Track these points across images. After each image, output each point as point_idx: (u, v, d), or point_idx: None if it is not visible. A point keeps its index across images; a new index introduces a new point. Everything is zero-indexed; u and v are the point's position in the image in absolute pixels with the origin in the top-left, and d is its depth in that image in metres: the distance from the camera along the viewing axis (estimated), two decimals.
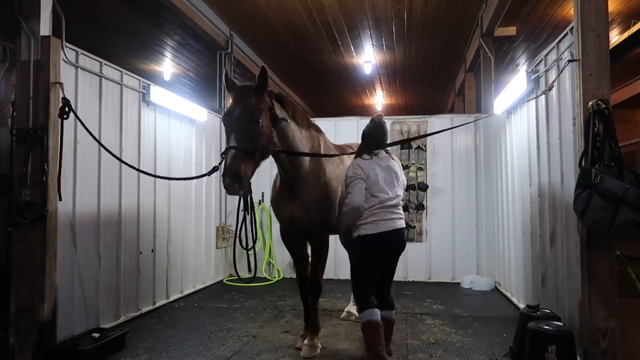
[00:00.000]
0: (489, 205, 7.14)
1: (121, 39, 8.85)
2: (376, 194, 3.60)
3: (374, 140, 3.82)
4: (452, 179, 7.48)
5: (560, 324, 3.63)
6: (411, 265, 7.48)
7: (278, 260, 7.67)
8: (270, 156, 3.58)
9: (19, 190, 3.92)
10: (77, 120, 4.26)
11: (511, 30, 8.07)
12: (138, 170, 4.70)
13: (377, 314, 3.51)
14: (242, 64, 9.56)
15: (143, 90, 5.43)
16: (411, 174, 7.48)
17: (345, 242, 5.55)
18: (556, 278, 4.30)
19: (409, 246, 7.37)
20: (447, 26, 8.53)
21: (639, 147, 8.28)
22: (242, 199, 3.58)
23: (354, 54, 10.05)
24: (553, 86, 3.91)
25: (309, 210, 3.93)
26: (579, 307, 3.64)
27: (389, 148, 4.03)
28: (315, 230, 4.02)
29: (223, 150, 3.27)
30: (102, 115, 4.76)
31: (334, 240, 5.74)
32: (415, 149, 7.55)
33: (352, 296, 5.29)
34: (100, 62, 4.78)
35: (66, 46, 4.23)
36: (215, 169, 3.53)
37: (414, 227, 7.47)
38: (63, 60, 4.18)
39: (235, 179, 3.10)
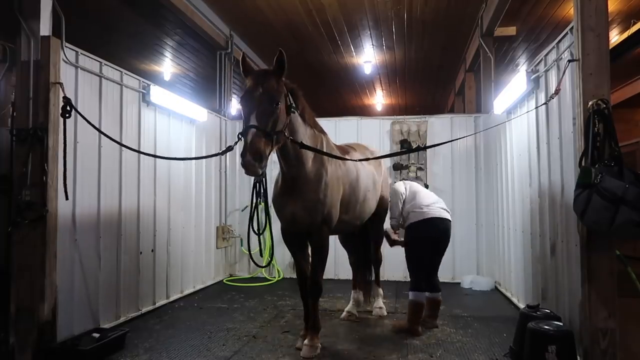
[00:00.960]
0: (489, 205, 7.13)
1: (121, 39, 8.85)
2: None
3: None
4: (452, 179, 7.47)
5: (560, 324, 3.62)
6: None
7: (278, 260, 7.66)
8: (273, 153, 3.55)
9: (19, 190, 3.92)
10: (77, 121, 4.27)
11: (511, 30, 8.07)
12: (139, 152, 4.83)
13: (422, 296, 4.54)
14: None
15: (143, 90, 5.43)
16: (411, 174, 7.48)
17: (345, 242, 5.57)
18: (556, 278, 4.30)
19: None
20: (447, 26, 8.53)
21: (639, 147, 8.29)
22: (255, 185, 3.64)
23: (354, 54, 10.05)
24: (559, 90, 3.90)
25: (311, 210, 3.93)
26: (579, 307, 3.65)
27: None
28: (316, 231, 4.02)
29: (241, 130, 3.26)
30: (102, 115, 4.77)
31: (334, 240, 5.75)
32: (415, 149, 7.54)
33: (352, 295, 5.31)
34: (100, 62, 4.78)
35: (66, 46, 4.23)
36: (230, 149, 3.57)
37: None
38: (63, 60, 4.18)
39: (256, 157, 3.08)
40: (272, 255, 4.59)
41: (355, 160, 4.48)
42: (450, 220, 4.73)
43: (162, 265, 5.83)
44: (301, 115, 3.82)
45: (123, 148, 5.06)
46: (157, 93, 5.59)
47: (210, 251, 7.24)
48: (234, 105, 9.01)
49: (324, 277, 4.20)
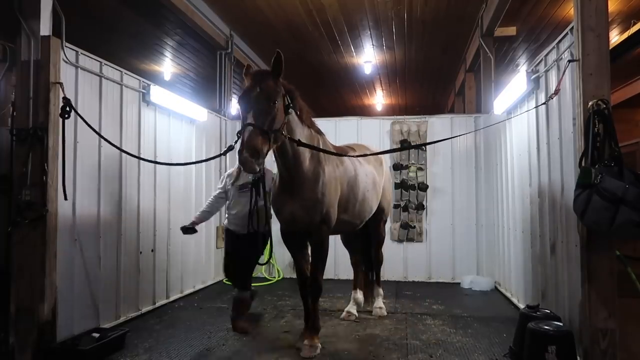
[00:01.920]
0: (489, 205, 7.13)
1: (121, 39, 8.85)
2: None
3: None
4: (452, 179, 7.47)
5: (560, 324, 3.63)
6: (411, 265, 7.48)
7: (278, 260, 7.67)
8: (271, 153, 3.59)
9: (19, 190, 3.91)
10: (77, 121, 4.27)
11: (511, 30, 8.07)
12: (138, 158, 4.85)
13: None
14: (242, 64, 9.55)
15: (143, 90, 5.43)
16: (411, 174, 7.49)
17: (347, 242, 5.57)
18: (556, 278, 4.31)
19: (409, 246, 7.48)
20: (447, 26, 8.53)
21: (639, 147, 8.28)
22: (253, 183, 3.68)
23: (354, 54, 10.05)
24: (559, 90, 3.90)
25: (309, 209, 3.95)
26: (579, 307, 3.65)
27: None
28: (315, 230, 4.03)
29: (239, 129, 3.34)
30: (102, 115, 4.76)
31: (334, 240, 5.75)
32: (415, 149, 7.54)
33: (352, 295, 5.31)
34: (100, 62, 4.78)
35: (66, 46, 4.23)
36: (230, 148, 3.62)
37: (414, 227, 7.47)
38: (63, 60, 4.18)
39: (253, 154, 3.15)
40: (271, 253, 4.61)
41: (353, 157, 4.49)
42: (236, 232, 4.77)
43: (162, 265, 5.83)
44: (299, 115, 3.85)
45: (122, 147, 5.06)
46: (157, 93, 5.59)
47: (210, 251, 7.24)
48: (234, 105, 9.00)
49: (324, 277, 4.21)
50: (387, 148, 7.46)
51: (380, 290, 5.47)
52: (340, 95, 13.74)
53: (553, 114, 4.36)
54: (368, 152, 5.21)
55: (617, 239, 3.47)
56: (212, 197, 5.07)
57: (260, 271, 7.55)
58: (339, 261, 7.10)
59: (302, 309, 4.30)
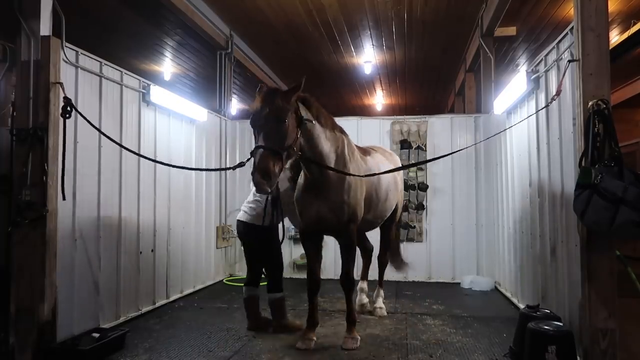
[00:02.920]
0: (489, 205, 7.13)
1: (121, 39, 8.85)
2: None
3: None
4: (452, 179, 7.47)
5: (560, 324, 3.62)
6: (411, 265, 7.45)
7: None
8: None
9: (19, 190, 3.91)
10: (77, 121, 4.26)
11: (511, 30, 8.07)
12: (139, 156, 4.82)
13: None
14: (242, 64, 9.56)
15: (143, 90, 5.43)
16: (411, 174, 7.49)
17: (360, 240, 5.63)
18: (556, 278, 4.31)
19: (408, 246, 7.48)
20: (447, 26, 8.53)
21: (639, 147, 8.28)
22: (268, 197, 3.73)
23: (354, 54, 10.05)
24: (560, 91, 3.89)
25: (336, 210, 4.06)
26: (579, 307, 3.64)
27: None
28: (343, 230, 4.15)
29: (252, 149, 3.43)
30: (102, 115, 4.76)
31: (334, 241, 5.74)
32: (415, 149, 7.54)
33: (358, 285, 5.41)
34: (100, 62, 4.78)
35: (66, 46, 4.22)
36: (241, 164, 3.72)
37: (414, 227, 7.47)
38: (63, 60, 4.18)
39: (264, 176, 3.27)
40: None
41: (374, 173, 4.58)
42: (246, 222, 4.68)
43: (162, 265, 5.83)
44: (317, 120, 3.90)
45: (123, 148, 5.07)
46: (157, 93, 5.59)
47: (210, 251, 7.24)
48: (234, 105, 9.01)
49: (325, 277, 4.25)
50: (388, 148, 7.46)
51: (382, 291, 5.50)
52: (340, 95, 13.74)
53: (553, 114, 4.36)
54: (387, 153, 5.58)
55: (617, 239, 3.47)
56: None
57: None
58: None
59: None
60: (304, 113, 3.72)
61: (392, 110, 15.30)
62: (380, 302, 5.39)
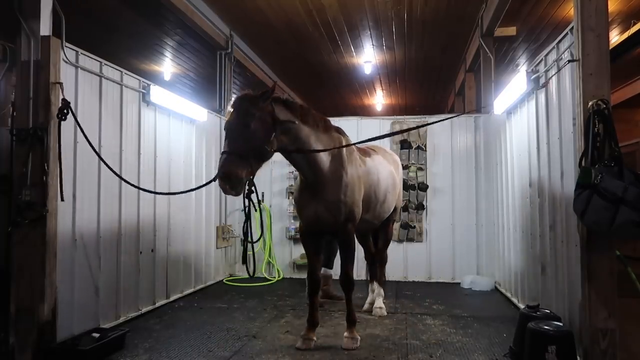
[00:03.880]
0: (489, 205, 7.13)
1: (121, 39, 8.85)
2: None
3: None
4: (452, 179, 7.48)
5: (560, 324, 3.62)
6: (411, 265, 7.48)
7: (278, 260, 7.67)
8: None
9: (19, 190, 3.91)
10: (77, 121, 4.26)
11: (511, 30, 8.06)
12: (138, 188, 4.81)
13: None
14: (242, 64, 9.56)
15: (143, 90, 5.43)
16: (411, 174, 7.48)
17: (362, 239, 5.62)
18: (556, 278, 4.30)
19: (409, 246, 7.48)
20: (447, 26, 8.53)
21: (639, 147, 8.28)
22: (244, 198, 3.76)
23: (354, 54, 10.05)
24: (547, 83, 3.91)
25: (333, 210, 4.07)
26: (579, 307, 3.64)
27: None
28: (341, 229, 4.17)
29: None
30: (102, 115, 4.76)
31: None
32: (415, 149, 7.54)
33: (369, 288, 5.52)
34: (100, 62, 4.78)
35: (66, 46, 4.22)
36: (215, 179, 3.67)
37: (414, 227, 7.47)
38: (63, 60, 4.18)
39: (225, 181, 3.34)
40: (270, 252, 4.67)
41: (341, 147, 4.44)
42: None
43: (162, 265, 5.83)
44: (303, 122, 3.88)
45: (122, 147, 5.07)
46: (157, 93, 5.59)
47: (210, 251, 7.24)
48: None
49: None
50: (387, 148, 7.46)
51: (382, 291, 5.51)
52: (340, 95, 13.74)
53: (553, 114, 4.36)
54: (388, 154, 5.58)
55: (617, 239, 3.47)
56: None
57: (260, 271, 7.56)
58: (338, 262, 7.07)
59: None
60: (284, 115, 3.73)
61: (392, 110, 15.30)
62: (380, 302, 5.39)
